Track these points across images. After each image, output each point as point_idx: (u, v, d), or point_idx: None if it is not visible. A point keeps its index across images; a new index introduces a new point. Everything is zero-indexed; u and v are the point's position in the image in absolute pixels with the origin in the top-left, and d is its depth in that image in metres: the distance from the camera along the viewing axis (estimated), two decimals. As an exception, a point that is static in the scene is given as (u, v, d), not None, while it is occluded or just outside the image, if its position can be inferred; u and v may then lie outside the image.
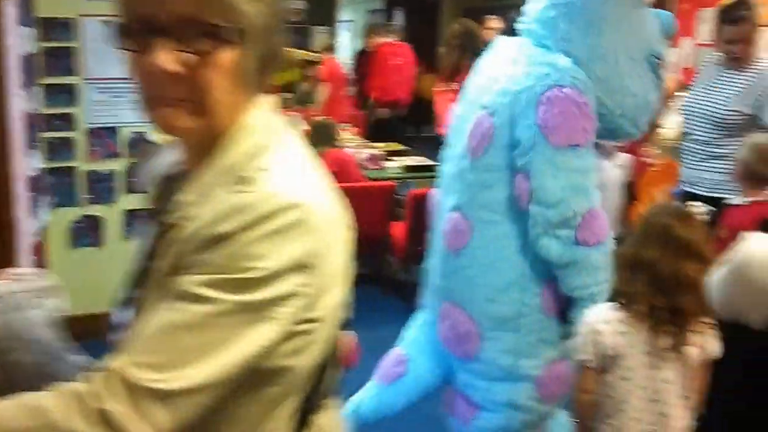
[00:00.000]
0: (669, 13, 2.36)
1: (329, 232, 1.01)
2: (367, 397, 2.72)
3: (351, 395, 2.72)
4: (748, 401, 2.01)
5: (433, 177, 5.65)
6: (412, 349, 2.69)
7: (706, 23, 6.70)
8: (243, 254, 0.91)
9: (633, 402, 1.93)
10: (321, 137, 4.89)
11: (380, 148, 6.23)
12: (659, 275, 1.87)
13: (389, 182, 4.98)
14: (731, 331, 1.83)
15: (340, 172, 4.75)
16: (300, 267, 0.95)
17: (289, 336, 0.97)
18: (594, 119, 2.20)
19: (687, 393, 1.89)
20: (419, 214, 4.44)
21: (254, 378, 0.97)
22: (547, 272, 2.30)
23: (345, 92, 8.31)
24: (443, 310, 2.49)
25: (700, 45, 6.67)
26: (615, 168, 4.04)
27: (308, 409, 1.07)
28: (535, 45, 2.32)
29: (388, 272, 5.03)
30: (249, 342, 0.93)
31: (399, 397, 2.66)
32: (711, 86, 3.66)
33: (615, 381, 1.96)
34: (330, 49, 7.95)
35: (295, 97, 8.95)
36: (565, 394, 2.40)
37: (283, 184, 0.97)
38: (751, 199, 2.83)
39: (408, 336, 2.74)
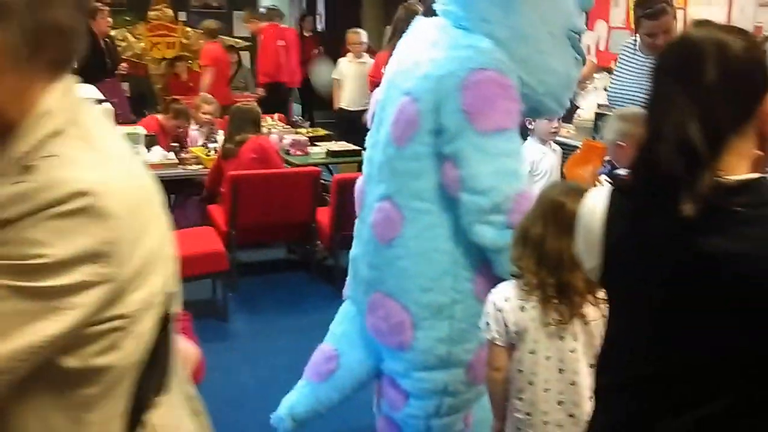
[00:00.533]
0: None
1: (132, 219, 0.95)
2: (301, 396, 2.65)
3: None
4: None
5: (357, 162, 5.77)
6: (342, 343, 2.63)
7: (619, 6, 6.91)
8: (25, 240, 0.87)
9: (542, 374, 1.95)
10: (242, 123, 4.85)
11: (304, 133, 6.23)
12: (545, 251, 1.88)
13: (313, 168, 4.99)
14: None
15: (261, 159, 4.74)
16: (92, 257, 0.90)
17: (97, 334, 0.93)
18: (519, 101, 2.20)
19: (593, 360, 1.88)
20: (344, 199, 4.47)
21: (63, 379, 0.93)
22: (478, 258, 2.29)
23: (228, 77, 8.30)
24: (373, 301, 2.44)
25: (614, 28, 6.87)
26: (553, 153, 4.14)
27: (140, 408, 1.02)
28: (454, 26, 2.27)
29: (315, 258, 5.05)
30: (33, 332, 0.88)
31: (333, 392, 2.61)
32: (637, 72, 3.75)
33: (523, 355, 1.98)
34: (213, 34, 7.83)
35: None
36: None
37: (72, 170, 0.91)
38: None
39: (336, 330, 2.69)
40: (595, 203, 1.35)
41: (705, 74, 1.15)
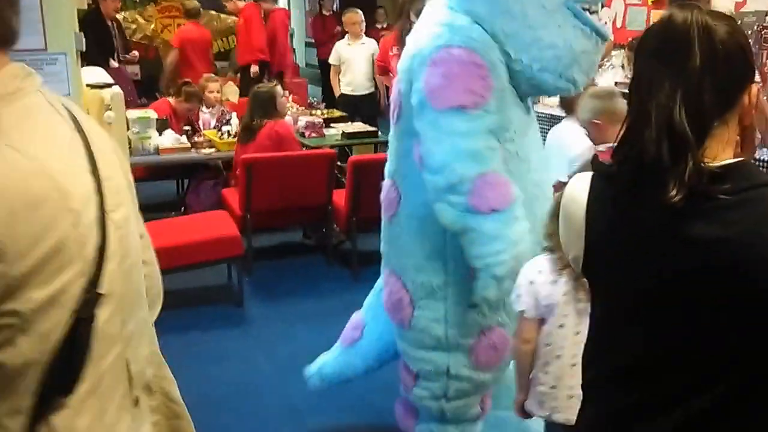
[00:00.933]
0: None
1: (29, 215, 0.90)
2: (331, 357, 2.80)
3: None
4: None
5: (374, 143, 5.71)
6: (368, 314, 2.73)
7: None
8: None
9: (569, 349, 1.95)
10: (261, 108, 4.78)
11: (319, 115, 6.16)
12: None
13: (329, 150, 4.91)
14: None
15: (276, 144, 4.67)
16: None
17: None
18: (491, 79, 2.09)
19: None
20: (360, 181, 4.41)
21: None
22: None
23: (207, 57, 7.95)
24: (384, 277, 2.49)
25: (631, 5, 6.73)
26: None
27: (43, 407, 0.97)
28: (446, 6, 2.22)
29: (331, 242, 4.99)
30: None
31: (357, 360, 2.72)
32: None
33: (552, 329, 1.98)
34: (190, 14, 7.59)
35: (231, 64, 8.78)
36: (501, 362, 2.39)
37: None
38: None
39: (368, 301, 2.78)
40: (577, 190, 1.29)
41: (691, 59, 1.11)
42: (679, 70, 1.12)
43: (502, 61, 2.13)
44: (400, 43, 4.81)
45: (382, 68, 6.12)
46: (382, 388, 2.92)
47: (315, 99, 7.70)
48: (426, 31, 2.16)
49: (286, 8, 8.49)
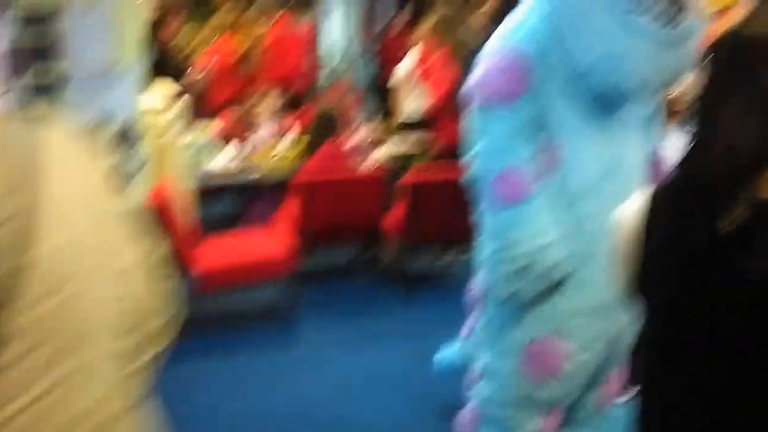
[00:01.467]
0: None
1: None
2: (455, 347, 2.85)
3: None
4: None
5: (432, 160, 5.59)
6: None
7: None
8: None
9: None
10: (322, 129, 4.79)
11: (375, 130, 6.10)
12: None
13: (377, 172, 4.85)
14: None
15: (331, 166, 4.66)
16: None
17: None
18: (527, 80, 2.10)
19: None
20: (415, 202, 4.37)
21: None
22: None
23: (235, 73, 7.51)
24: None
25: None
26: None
27: None
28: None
29: (384, 262, 4.94)
30: None
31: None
32: None
33: None
34: (233, 26, 7.43)
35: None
36: (551, 376, 2.26)
37: None
38: None
39: None
40: (632, 208, 1.22)
41: (761, 78, 1.04)
42: (748, 89, 1.04)
43: (560, 63, 2.11)
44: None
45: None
46: (437, 414, 2.85)
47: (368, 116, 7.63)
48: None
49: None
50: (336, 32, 12.52)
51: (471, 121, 2.19)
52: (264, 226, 4.95)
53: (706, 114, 1.10)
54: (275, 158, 5.32)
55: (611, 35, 2.06)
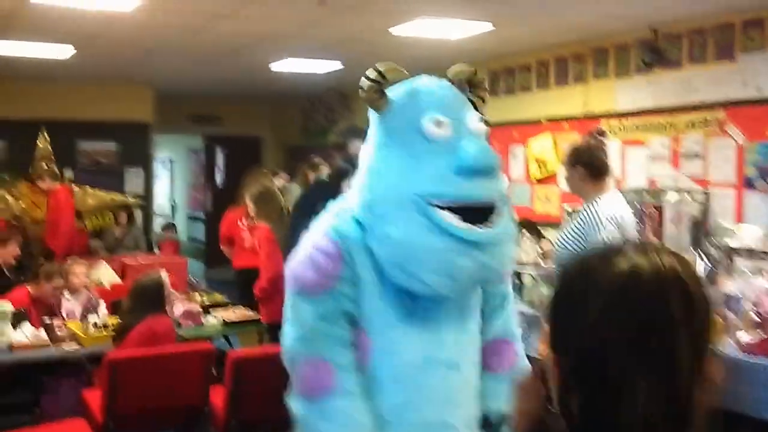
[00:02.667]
0: (477, 146, 2.01)
1: None
2: None
3: None
4: None
5: (257, 331, 5.32)
6: None
7: (517, 159, 6.92)
8: None
9: None
10: (145, 302, 4.33)
11: (198, 301, 5.73)
12: None
13: (205, 344, 4.44)
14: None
15: (150, 342, 4.21)
16: None
17: None
18: (340, 269, 2.07)
19: None
20: (241, 378, 3.98)
21: None
22: None
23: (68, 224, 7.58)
24: None
25: (514, 181, 6.83)
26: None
27: None
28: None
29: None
30: None
31: None
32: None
33: None
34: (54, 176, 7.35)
35: (105, 243, 8.32)
36: None
37: None
38: None
39: None
40: None
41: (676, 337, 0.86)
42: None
43: (369, 256, 2.06)
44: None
45: (228, 239, 6.57)
46: None
47: (196, 279, 7.30)
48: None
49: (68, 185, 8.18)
50: (165, 192, 12.36)
51: (286, 305, 2.14)
52: (71, 410, 4.35)
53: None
54: (87, 330, 4.78)
55: (412, 230, 1.98)
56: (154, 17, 5.34)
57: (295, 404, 2.11)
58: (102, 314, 5.12)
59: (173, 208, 13.37)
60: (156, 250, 7.65)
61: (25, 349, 4.55)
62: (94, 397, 4.24)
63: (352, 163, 2.95)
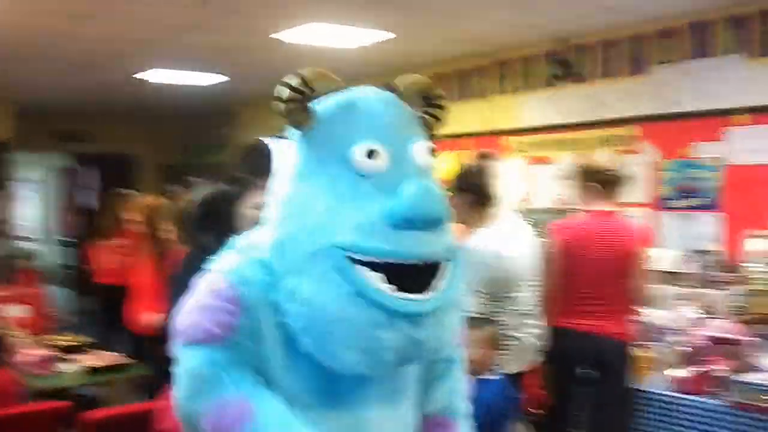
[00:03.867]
0: (418, 188, 1.51)
1: None
2: None
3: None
4: None
5: (128, 378, 4.60)
6: None
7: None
8: None
9: None
10: None
11: (59, 343, 4.95)
12: None
13: (59, 403, 3.66)
14: None
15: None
16: None
17: None
18: (230, 319, 1.55)
19: None
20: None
21: None
22: None
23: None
24: None
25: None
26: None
27: None
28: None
29: None
30: None
31: None
32: None
33: None
34: None
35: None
36: None
37: None
38: None
39: None
40: None
41: None
42: None
43: (273, 309, 1.54)
44: None
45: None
46: None
47: (65, 311, 6.46)
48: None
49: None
50: (33, 216, 11.29)
51: (173, 366, 1.61)
52: None
53: None
54: None
55: (326, 291, 1.46)
56: (7, 18, 4.62)
57: None
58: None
59: (44, 233, 12.29)
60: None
61: None
62: None
63: (243, 185, 2.56)
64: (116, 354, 4.78)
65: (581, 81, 5.19)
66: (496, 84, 5.84)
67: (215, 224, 2.65)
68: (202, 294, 1.57)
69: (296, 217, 1.53)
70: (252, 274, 1.53)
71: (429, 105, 1.70)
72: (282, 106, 1.55)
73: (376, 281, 1.42)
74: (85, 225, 8.88)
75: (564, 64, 5.23)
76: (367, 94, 1.63)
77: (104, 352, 4.85)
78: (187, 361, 1.56)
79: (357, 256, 1.44)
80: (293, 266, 1.50)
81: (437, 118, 1.69)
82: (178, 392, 1.58)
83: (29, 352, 4.51)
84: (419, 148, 1.58)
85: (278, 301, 1.50)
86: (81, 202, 11.03)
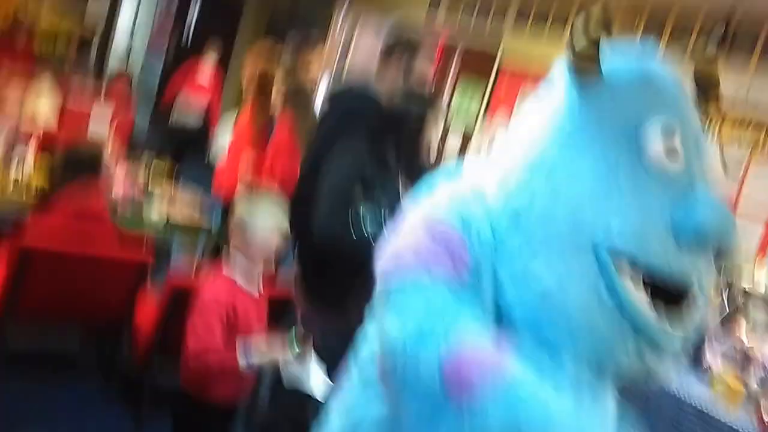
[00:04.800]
0: (714, 202, 1.26)
1: None
2: None
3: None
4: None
5: (211, 240, 4.54)
6: None
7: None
8: None
9: None
10: (72, 167, 3.47)
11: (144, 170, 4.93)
12: None
13: (141, 257, 3.57)
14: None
15: (79, 221, 3.37)
16: None
17: None
18: (462, 257, 1.33)
19: None
20: (177, 311, 3.22)
21: None
22: None
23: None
24: None
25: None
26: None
27: None
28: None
29: (120, 368, 3.73)
30: None
31: None
32: None
33: None
34: None
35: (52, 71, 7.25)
36: None
37: None
38: None
39: None
40: None
41: None
42: None
43: (492, 276, 1.33)
44: None
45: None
46: None
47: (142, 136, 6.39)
48: None
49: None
50: (126, 28, 11.02)
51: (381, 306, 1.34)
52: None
53: None
54: (3, 188, 3.97)
55: (576, 289, 1.25)
56: None
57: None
58: (27, 166, 4.29)
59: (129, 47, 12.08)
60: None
61: None
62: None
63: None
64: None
65: None
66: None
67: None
68: (425, 224, 1.36)
69: (555, 191, 1.30)
70: (481, 229, 1.34)
71: (709, 96, 1.44)
72: (573, 58, 1.30)
73: (643, 304, 1.23)
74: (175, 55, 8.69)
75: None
76: (659, 67, 1.37)
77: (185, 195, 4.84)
78: (418, 296, 1.33)
79: (623, 263, 1.24)
80: (533, 244, 1.29)
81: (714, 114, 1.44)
82: (399, 331, 1.33)
83: (119, 174, 4.49)
84: (710, 151, 1.35)
85: (500, 274, 1.31)
86: (180, 26, 10.69)
